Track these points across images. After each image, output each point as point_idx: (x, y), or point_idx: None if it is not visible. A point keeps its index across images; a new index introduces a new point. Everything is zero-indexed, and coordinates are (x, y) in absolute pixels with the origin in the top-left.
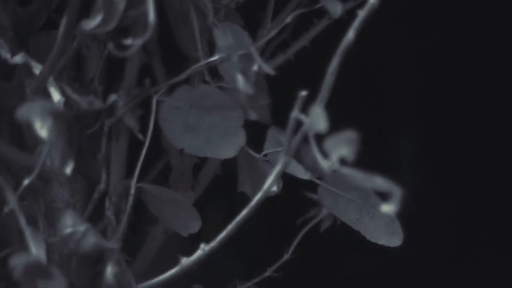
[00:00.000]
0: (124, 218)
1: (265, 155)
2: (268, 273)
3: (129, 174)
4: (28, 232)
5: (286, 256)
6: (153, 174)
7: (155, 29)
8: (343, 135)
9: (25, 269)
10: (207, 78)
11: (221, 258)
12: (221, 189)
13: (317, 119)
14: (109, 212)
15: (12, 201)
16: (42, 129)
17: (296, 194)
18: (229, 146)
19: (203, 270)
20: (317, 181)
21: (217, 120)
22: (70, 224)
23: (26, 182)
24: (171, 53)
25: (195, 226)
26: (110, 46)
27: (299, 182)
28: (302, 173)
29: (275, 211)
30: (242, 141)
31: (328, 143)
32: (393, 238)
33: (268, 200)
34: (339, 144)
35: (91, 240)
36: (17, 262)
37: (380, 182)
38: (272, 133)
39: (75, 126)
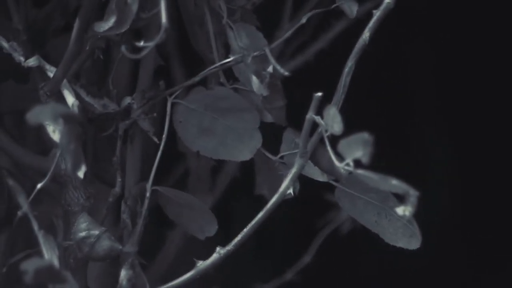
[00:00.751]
0: (140, 221)
1: (282, 157)
2: (287, 276)
3: (146, 177)
4: (40, 236)
5: (306, 259)
6: (171, 178)
7: (169, 31)
8: (357, 136)
9: (36, 273)
10: (222, 80)
11: (240, 261)
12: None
13: (332, 120)
14: (125, 216)
15: (24, 206)
16: (54, 133)
17: (315, 196)
18: (245, 148)
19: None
20: (334, 183)
21: (233, 122)
22: (84, 228)
23: (39, 186)
24: (188, 55)
25: (211, 229)
26: (123, 48)
27: (318, 184)
28: (318, 175)
29: (294, 214)
30: (258, 143)
31: (342, 145)
32: (411, 241)
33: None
34: (354, 146)
35: (105, 244)
36: (28, 266)
37: (396, 184)
38: (288, 135)
39: (90, 129)
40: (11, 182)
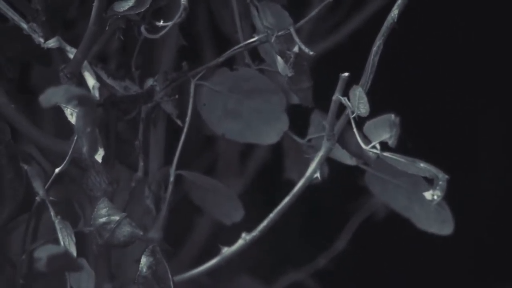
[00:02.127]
0: (164, 207)
1: (310, 140)
2: (320, 262)
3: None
4: (57, 223)
5: (340, 245)
6: (200, 162)
7: (196, 11)
8: (383, 118)
9: (50, 260)
10: (248, 60)
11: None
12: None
13: (358, 101)
14: (148, 201)
15: (40, 191)
16: (72, 116)
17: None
18: (272, 131)
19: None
20: (364, 167)
21: (258, 105)
22: (104, 213)
23: (57, 170)
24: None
25: (237, 215)
26: (143, 28)
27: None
28: (347, 159)
29: (326, 199)
30: (284, 126)
31: (369, 127)
32: (444, 226)
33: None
34: (380, 128)
35: (126, 229)
36: (42, 254)
37: (424, 167)
38: (316, 117)
39: (113, 112)
40: (27, 166)
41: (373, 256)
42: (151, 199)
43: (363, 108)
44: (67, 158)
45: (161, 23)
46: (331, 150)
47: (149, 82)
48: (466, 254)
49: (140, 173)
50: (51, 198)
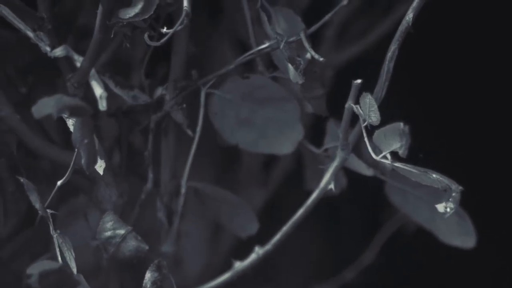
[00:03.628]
0: (177, 220)
1: (326, 150)
2: (348, 275)
3: (193, 173)
4: (55, 238)
5: (368, 258)
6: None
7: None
8: (393, 127)
9: (43, 277)
10: (261, 68)
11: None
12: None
13: (369, 109)
14: (160, 214)
15: (37, 205)
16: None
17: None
18: (286, 141)
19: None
20: (383, 178)
21: (272, 113)
22: (110, 227)
23: (59, 183)
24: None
25: (252, 227)
26: (146, 36)
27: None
28: (364, 169)
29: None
30: (299, 136)
31: (378, 136)
32: (467, 239)
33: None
34: (390, 137)
35: (131, 244)
36: (33, 270)
37: (436, 178)
38: (332, 126)
39: (124, 123)
40: (23, 179)
41: (401, 269)
42: (163, 211)
43: (374, 117)
44: (69, 170)
45: (165, 29)
46: (346, 160)
47: (159, 91)
48: (495, 267)
49: (149, 185)
50: (51, 211)
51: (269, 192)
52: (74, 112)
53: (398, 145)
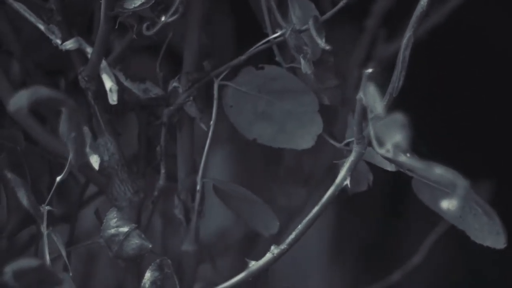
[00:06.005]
0: (194, 217)
1: (348, 145)
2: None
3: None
4: (45, 236)
5: (416, 260)
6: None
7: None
8: (392, 118)
9: (17, 275)
10: (278, 58)
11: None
12: None
13: (373, 99)
14: (177, 211)
15: (24, 202)
16: None
17: None
18: (306, 134)
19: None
20: (410, 173)
21: (290, 106)
22: (113, 224)
23: (58, 179)
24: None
25: (274, 226)
26: (145, 26)
27: None
28: (387, 165)
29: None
30: (319, 129)
31: (380, 129)
32: (498, 239)
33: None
34: (392, 129)
35: (134, 242)
36: (9, 268)
37: (440, 172)
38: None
39: (142, 116)
40: (10, 174)
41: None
42: (181, 209)
43: (379, 107)
44: (67, 166)
45: (162, 19)
46: (362, 155)
47: (172, 84)
48: None
49: (162, 182)
50: (48, 208)
51: (310, 190)
52: (50, 104)
53: (399, 137)
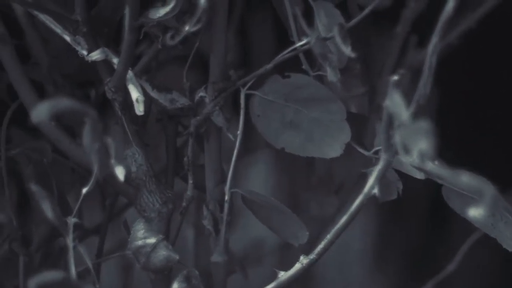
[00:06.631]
0: (223, 228)
1: (377, 153)
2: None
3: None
4: (70, 248)
5: (451, 268)
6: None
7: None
8: (417, 126)
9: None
10: (305, 66)
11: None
12: None
13: (398, 107)
14: (206, 222)
15: (48, 213)
16: None
17: None
18: (335, 143)
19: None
20: (439, 181)
21: (318, 114)
22: (141, 236)
23: (84, 190)
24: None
25: (303, 236)
26: (169, 36)
27: None
28: (416, 172)
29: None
30: (347, 137)
31: (405, 136)
32: None
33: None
34: (417, 137)
35: (161, 254)
36: (32, 282)
37: (467, 180)
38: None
39: (170, 127)
40: (34, 187)
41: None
42: (209, 219)
43: (404, 115)
44: (92, 178)
45: (186, 29)
46: (391, 163)
47: (199, 93)
48: None
49: (190, 192)
50: (74, 220)
51: (342, 199)
52: (73, 115)
53: (424, 144)
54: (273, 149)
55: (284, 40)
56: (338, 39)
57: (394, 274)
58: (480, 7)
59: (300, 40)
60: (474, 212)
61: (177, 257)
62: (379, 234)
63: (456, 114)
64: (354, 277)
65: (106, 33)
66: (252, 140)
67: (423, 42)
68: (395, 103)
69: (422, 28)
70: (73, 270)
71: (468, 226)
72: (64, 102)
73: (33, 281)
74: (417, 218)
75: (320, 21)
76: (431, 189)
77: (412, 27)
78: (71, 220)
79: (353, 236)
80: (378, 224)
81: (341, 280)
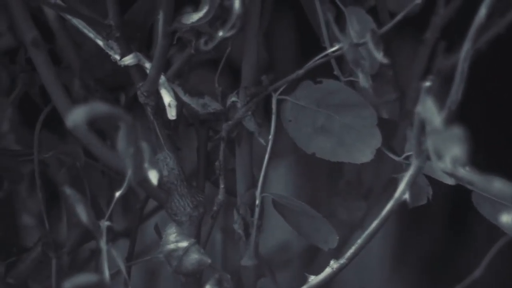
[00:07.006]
0: (253, 232)
1: (407, 158)
2: None
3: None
4: (104, 251)
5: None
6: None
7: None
8: (450, 132)
9: None
10: (337, 72)
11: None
12: None
13: (430, 113)
14: (237, 226)
15: (83, 217)
16: None
17: None
18: (366, 148)
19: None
20: (469, 187)
21: (349, 120)
22: (172, 240)
23: (117, 194)
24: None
25: (333, 240)
26: (203, 41)
27: None
28: (447, 178)
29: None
30: (378, 143)
31: (437, 142)
32: None
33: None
34: (449, 143)
35: (193, 257)
36: (68, 284)
37: (500, 186)
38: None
39: (202, 132)
40: (69, 190)
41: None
42: (240, 223)
43: (436, 121)
44: (126, 182)
45: (220, 34)
46: (422, 169)
47: (231, 98)
48: None
49: (221, 197)
50: (107, 223)
51: (370, 204)
52: (108, 120)
53: (457, 150)
54: (301, 154)
55: (310, 44)
56: (370, 45)
57: (415, 279)
58: (508, 12)
59: (332, 46)
60: (507, 218)
61: (209, 260)
62: (400, 238)
63: (486, 120)
64: (374, 281)
65: (138, 37)
66: (280, 144)
67: (451, 47)
68: (427, 109)
69: (450, 34)
70: (106, 273)
71: (490, 232)
72: (100, 107)
73: (68, 283)
74: (438, 223)
75: (352, 27)
76: (453, 194)
77: (442, 33)
78: (104, 224)
79: (376, 240)
80: (399, 229)
81: (361, 283)
